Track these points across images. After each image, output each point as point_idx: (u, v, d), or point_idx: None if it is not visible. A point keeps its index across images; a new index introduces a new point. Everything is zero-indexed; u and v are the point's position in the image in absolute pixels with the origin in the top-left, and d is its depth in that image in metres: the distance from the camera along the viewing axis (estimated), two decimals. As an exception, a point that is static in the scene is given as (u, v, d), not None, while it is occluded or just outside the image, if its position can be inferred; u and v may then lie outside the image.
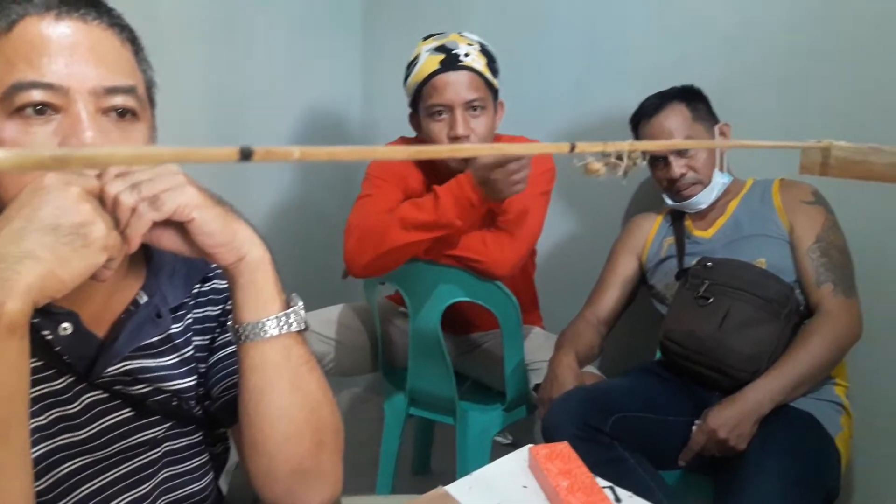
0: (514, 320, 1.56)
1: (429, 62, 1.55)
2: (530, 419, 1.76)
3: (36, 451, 0.66)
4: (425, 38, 1.62)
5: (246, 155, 0.17)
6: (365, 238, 1.50)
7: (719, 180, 1.54)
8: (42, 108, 0.63)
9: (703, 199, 1.54)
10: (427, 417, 1.79)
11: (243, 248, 0.66)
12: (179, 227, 0.63)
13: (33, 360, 0.66)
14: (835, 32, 1.56)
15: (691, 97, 1.57)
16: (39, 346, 0.66)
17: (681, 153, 1.52)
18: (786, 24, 1.63)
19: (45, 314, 0.66)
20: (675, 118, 1.54)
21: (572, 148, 0.26)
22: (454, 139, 1.54)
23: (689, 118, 1.54)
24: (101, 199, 0.59)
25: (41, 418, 0.67)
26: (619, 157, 0.30)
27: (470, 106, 1.55)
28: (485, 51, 1.58)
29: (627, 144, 0.30)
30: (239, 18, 2.21)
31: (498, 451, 1.18)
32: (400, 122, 1.83)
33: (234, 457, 0.88)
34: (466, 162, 1.59)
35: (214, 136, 2.18)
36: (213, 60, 2.16)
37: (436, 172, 1.69)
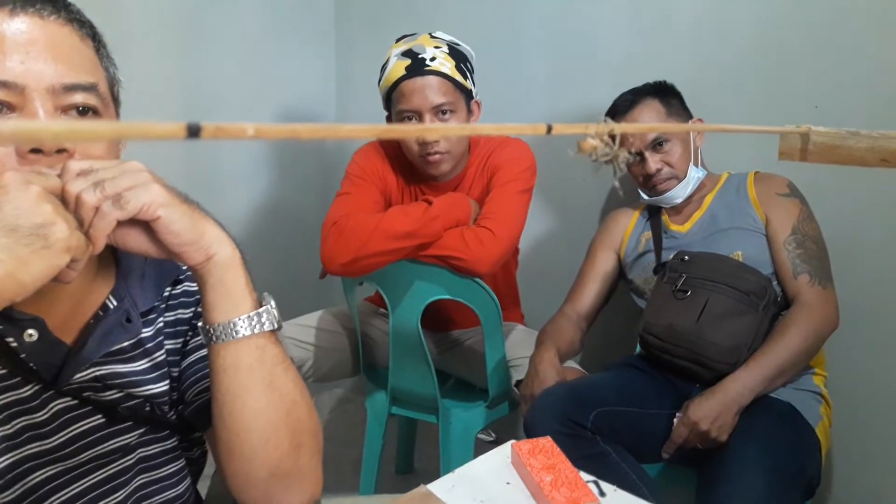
0: (495, 317, 1.55)
1: (396, 68, 1.55)
2: (513, 416, 1.76)
3: (3, 462, 0.64)
4: (398, 40, 1.61)
5: (193, 132, 0.16)
6: (345, 238, 1.48)
7: (694, 175, 1.54)
8: None
9: (679, 193, 1.55)
10: (409, 416, 1.77)
11: (212, 246, 0.64)
12: (145, 226, 0.61)
13: (-3, 367, 0.64)
14: (804, 25, 1.57)
15: (665, 93, 1.57)
16: (4, 354, 0.64)
17: (656, 149, 1.52)
18: (756, 19, 1.64)
19: (10, 321, 0.64)
20: (650, 113, 1.54)
21: (549, 129, 0.25)
22: (423, 145, 1.55)
23: (663, 113, 1.54)
24: (63, 199, 0.57)
25: (7, 427, 0.65)
26: (611, 140, 0.29)
27: (439, 111, 1.54)
28: (454, 52, 1.57)
29: (606, 127, 0.30)
30: (209, 17, 2.18)
31: (481, 448, 1.17)
32: (376, 123, 1.81)
33: (213, 461, 0.86)
34: (440, 168, 1.59)
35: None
36: (183, 59, 2.13)
37: (413, 173, 1.68)
